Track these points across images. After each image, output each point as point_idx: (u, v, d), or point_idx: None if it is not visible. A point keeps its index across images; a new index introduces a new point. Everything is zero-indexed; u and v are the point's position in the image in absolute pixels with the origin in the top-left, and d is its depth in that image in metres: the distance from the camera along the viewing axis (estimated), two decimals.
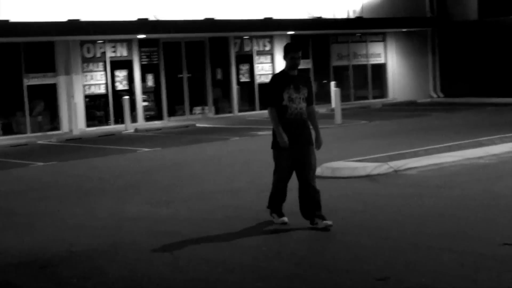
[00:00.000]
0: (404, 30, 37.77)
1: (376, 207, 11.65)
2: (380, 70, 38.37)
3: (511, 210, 10.91)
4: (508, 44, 35.63)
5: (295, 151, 10.28)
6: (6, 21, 26.50)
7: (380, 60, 38.40)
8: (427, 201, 12.01)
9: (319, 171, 14.92)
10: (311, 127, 10.59)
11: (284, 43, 35.38)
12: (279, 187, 10.62)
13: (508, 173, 14.27)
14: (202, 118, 32.24)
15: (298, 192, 10.54)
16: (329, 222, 10.18)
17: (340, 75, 36.34)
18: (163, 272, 8.55)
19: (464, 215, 10.78)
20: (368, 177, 14.38)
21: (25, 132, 28.50)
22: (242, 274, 8.32)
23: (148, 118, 31.49)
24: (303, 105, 10.33)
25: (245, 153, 19.78)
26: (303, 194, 10.44)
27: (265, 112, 34.01)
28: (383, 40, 38.40)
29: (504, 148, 16.88)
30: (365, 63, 37.80)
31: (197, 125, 29.74)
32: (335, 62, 36.80)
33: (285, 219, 10.63)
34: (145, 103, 31.73)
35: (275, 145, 10.45)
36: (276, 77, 10.68)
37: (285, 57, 10.49)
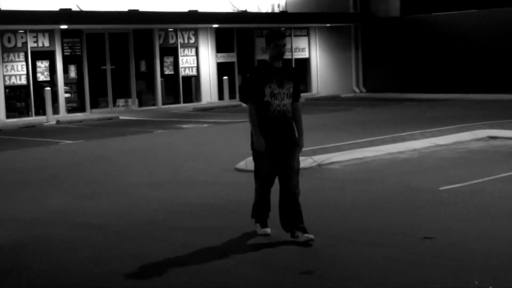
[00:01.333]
0: (328, 25, 38.12)
1: (301, 200, 11.75)
2: (304, 64, 38.64)
3: (431, 204, 11.10)
4: (428, 41, 36.24)
5: (277, 153, 9.12)
6: None
7: (304, 55, 38.69)
8: (350, 195, 12.16)
9: (242, 164, 15.03)
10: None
11: (209, 36, 35.59)
12: (261, 194, 9.40)
13: (428, 167, 14.55)
14: (126, 110, 32.09)
15: (279, 201, 9.31)
16: (311, 236, 9.00)
17: (258, 63, 36.50)
18: (85, 266, 8.49)
19: (386, 209, 10.93)
20: None
21: None
22: (162, 266, 8.34)
23: (70, 110, 31.22)
24: (287, 101, 9.09)
25: (170, 146, 19.72)
26: (284, 203, 9.23)
27: (190, 105, 34.08)
28: (307, 35, 38.69)
29: (424, 143, 17.18)
30: (289, 57, 38.00)
31: (121, 117, 29.56)
32: (260, 56, 36.87)
33: (268, 230, 9.46)
34: (67, 95, 31.44)
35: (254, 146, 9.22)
36: (257, 69, 9.64)
37: (267, 47, 9.12)
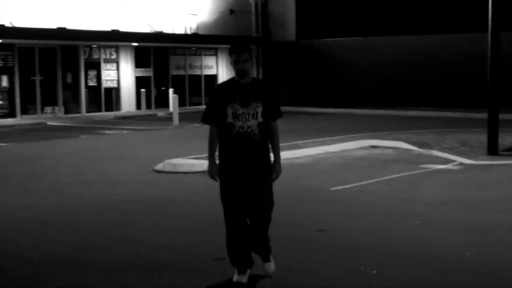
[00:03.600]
0: None
1: (209, 196, 11.89)
2: (212, 80, 38.68)
3: (323, 202, 11.37)
4: (319, 62, 36.76)
5: (240, 181, 7.08)
6: None
7: (212, 71, 38.74)
8: None
9: (160, 166, 15.04)
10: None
11: (129, 53, 35.28)
12: (229, 232, 7.19)
13: (321, 171, 14.82)
14: (53, 117, 31.61)
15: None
16: (273, 269, 7.37)
17: (178, 83, 36.44)
18: (25, 255, 8.47)
19: (286, 206, 11.04)
20: (204, 172, 14.58)
21: None
22: (96, 254, 8.39)
23: (1, 116, 30.60)
24: (253, 122, 7.00)
25: (94, 149, 19.54)
26: (252, 237, 7.28)
27: (111, 113, 33.63)
28: (215, 54, 38.80)
29: (317, 151, 17.49)
30: (199, 73, 38.03)
31: (48, 123, 29.11)
32: (174, 72, 36.86)
33: (243, 278, 7.15)
34: (0, 102, 30.82)
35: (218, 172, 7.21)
36: (220, 86, 7.36)
37: (231, 63, 7.14)
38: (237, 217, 7.17)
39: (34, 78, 31.99)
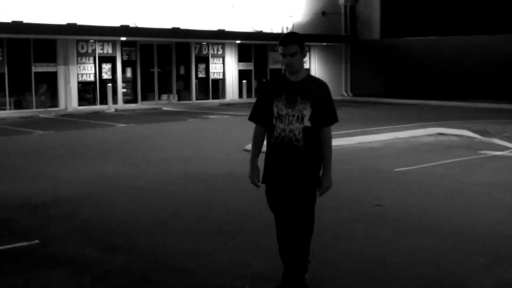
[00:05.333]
0: (324, 44, 38.10)
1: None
2: None
3: (385, 181, 11.26)
4: (400, 58, 36.19)
5: (277, 191, 5.59)
6: (21, 22, 26.27)
7: (306, 66, 38.75)
8: None
9: (249, 147, 15.15)
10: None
11: (233, 49, 35.62)
12: (277, 234, 5.77)
13: (388, 154, 14.65)
14: (168, 103, 32.28)
15: None
16: None
17: (275, 75, 36.56)
18: (122, 215, 8.76)
19: (352, 182, 11.09)
20: None
21: (31, 108, 28.30)
22: (182, 218, 8.58)
23: (126, 101, 31.43)
24: (296, 126, 5.36)
25: (197, 131, 19.93)
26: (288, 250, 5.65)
27: (216, 101, 34.19)
28: (308, 51, 38.75)
29: (388, 136, 17.29)
30: None
31: (163, 108, 29.76)
32: (271, 66, 36.94)
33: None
34: (124, 90, 31.64)
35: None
36: (267, 83, 5.76)
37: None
38: (279, 223, 5.69)
39: (152, 70, 32.72)
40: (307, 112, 5.37)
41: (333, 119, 5.54)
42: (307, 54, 37.94)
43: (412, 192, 10.29)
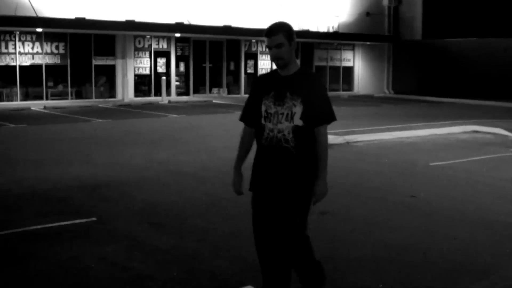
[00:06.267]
0: (368, 43, 37.90)
1: (329, 165, 12.03)
2: (349, 70, 38.54)
3: (421, 174, 11.27)
4: (441, 58, 35.80)
5: (264, 198, 4.67)
6: (83, 18, 26.79)
7: (349, 64, 38.55)
8: (366, 164, 12.34)
9: None
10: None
11: None
12: (257, 249, 4.79)
13: (425, 149, 14.61)
14: (218, 96, 32.56)
15: None
16: None
17: (320, 72, 36.52)
18: (172, 198, 8.96)
19: (388, 175, 11.16)
20: (329, 145, 14.70)
21: (90, 98, 28.87)
22: (231, 204, 8.76)
23: (178, 94, 31.80)
24: (286, 125, 4.50)
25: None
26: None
27: None
28: (353, 49, 38.56)
29: (426, 132, 17.18)
30: (338, 65, 37.95)
31: (214, 101, 30.03)
32: (317, 63, 36.96)
33: None
34: (177, 83, 32.01)
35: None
36: (257, 79, 4.87)
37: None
38: (259, 238, 4.73)
39: (204, 65, 33.01)
40: (297, 110, 4.49)
41: (328, 117, 4.57)
42: (352, 52, 38.35)
43: (446, 185, 10.28)
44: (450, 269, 6.06)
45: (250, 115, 4.72)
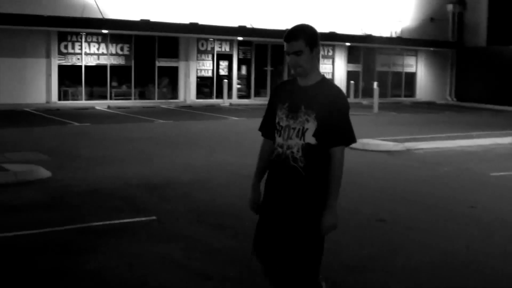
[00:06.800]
0: (431, 49, 37.41)
1: (389, 172, 12.01)
2: (411, 76, 38.08)
3: (481, 184, 11.07)
4: (506, 66, 35.08)
5: (269, 223, 4.08)
6: (148, 20, 27.31)
7: (412, 69, 38.10)
8: (425, 171, 12.22)
9: (353, 144, 15.22)
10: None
11: (342, 51, 35.36)
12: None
13: (486, 158, 14.33)
14: None
15: None
16: None
17: (382, 78, 36.21)
18: (232, 200, 9.05)
19: (448, 183, 11.02)
20: (388, 152, 14.64)
21: (153, 99, 29.37)
22: None
23: (239, 97, 32.04)
24: (295, 142, 3.96)
25: None
26: None
27: None
28: (415, 55, 38.11)
29: (488, 141, 16.84)
30: (400, 70, 37.58)
31: None
32: (379, 68, 36.67)
33: None
34: (239, 86, 32.25)
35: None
36: (276, 87, 4.28)
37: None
38: (265, 267, 4.16)
39: (266, 68, 33.17)
40: (310, 126, 3.93)
41: (346, 137, 3.99)
42: (415, 58, 37.90)
43: (506, 197, 10.10)
44: (496, 281, 5.99)
45: (267, 125, 4.21)
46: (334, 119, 3.93)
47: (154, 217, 7.92)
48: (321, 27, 32.06)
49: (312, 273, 4.01)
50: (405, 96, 37.67)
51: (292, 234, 3.94)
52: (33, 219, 7.82)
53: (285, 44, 4.01)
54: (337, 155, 3.96)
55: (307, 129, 3.94)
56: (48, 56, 26.85)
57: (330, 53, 34.90)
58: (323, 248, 4.04)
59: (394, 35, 36.02)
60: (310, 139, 3.94)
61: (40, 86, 26.80)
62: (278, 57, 33.36)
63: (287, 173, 3.98)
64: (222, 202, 8.93)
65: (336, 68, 34.95)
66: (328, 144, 3.94)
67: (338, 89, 4.07)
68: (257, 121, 14.56)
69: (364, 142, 15.41)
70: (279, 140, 4.03)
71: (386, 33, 35.78)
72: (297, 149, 3.95)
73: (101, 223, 7.61)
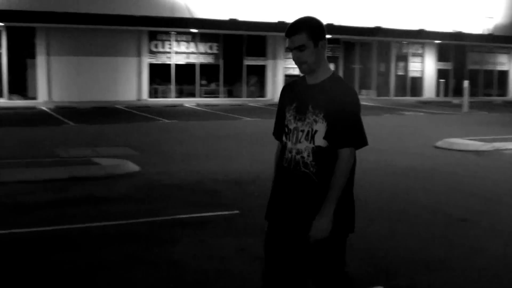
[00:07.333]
0: None
1: (475, 171, 11.74)
2: (503, 75, 37.04)
3: None
4: None
5: (281, 231, 3.71)
6: (235, 19, 27.68)
7: (504, 68, 37.04)
8: (510, 171, 11.92)
9: (440, 143, 14.93)
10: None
11: (432, 48, 34.88)
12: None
13: None
14: (367, 98, 32.39)
15: None
16: None
17: (473, 76, 35.38)
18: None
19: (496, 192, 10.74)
20: (475, 152, 14.31)
21: (241, 97, 29.77)
22: (372, 207, 8.80)
23: None
24: (305, 146, 3.59)
25: (391, 126, 19.92)
26: None
27: (413, 98, 33.89)
28: (508, 53, 36.97)
29: None
30: (492, 68, 36.56)
31: (363, 103, 29.84)
32: (470, 66, 35.85)
33: None
34: None
35: None
36: (284, 88, 3.91)
37: None
38: (269, 278, 3.78)
39: (354, 66, 33.01)
40: (319, 127, 3.58)
41: (355, 139, 3.62)
42: (507, 56, 36.72)
43: None
44: None
45: (279, 129, 3.84)
46: (343, 118, 3.55)
47: (237, 211, 8.06)
48: (410, 25, 31.66)
49: (337, 268, 3.68)
50: (497, 95, 36.61)
51: (310, 236, 3.57)
52: (120, 211, 8.13)
53: (286, 40, 3.68)
54: (344, 158, 3.56)
55: (316, 131, 3.58)
56: (139, 55, 27.66)
57: (420, 51, 34.35)
58: (345, 247, 3.70)
59: (485, 32, 35.05)
60: (320, 141, 3.58)
61: (131, 84, 27.65)
62: (366, 55, 33.13)
63: (299, 180, 3.62)
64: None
65: (425, 67, 34.38)
66: (335, 145, 3.57)
67: (348, 86, 3.68)
68: None
69: (452, 141, 15.12)
70: (288, 144, 3.68)
71: (477, 30, 34.88)
72: (307, 153, 3.60)
73: (184, 216, 7.82)
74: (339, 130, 3.54)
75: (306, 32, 3.60)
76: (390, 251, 6.54)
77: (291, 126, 3.66)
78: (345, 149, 3.55)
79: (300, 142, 3.60)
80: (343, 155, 3.55)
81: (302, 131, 3.60)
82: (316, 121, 3.56)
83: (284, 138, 3.72)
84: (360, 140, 3.62)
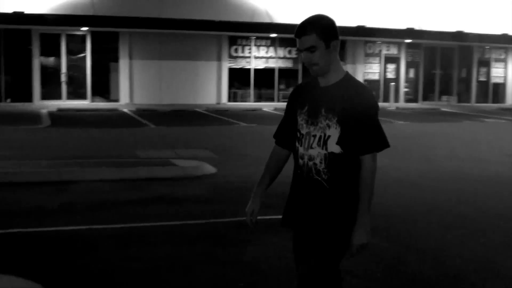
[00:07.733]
0: None
1: None
2: None
3: None
4: None
5: (295, 238, 3.78)
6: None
7: None
8: None
9: None
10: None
11: None
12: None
13: None
14: (447, 104, 31.84)
15: None
16: None
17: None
18: (384, 204, 9.11)
19: None
20: None
21: None
22: (442, 214, 8.71)
23: (406, 100, 31.64)
24: (317, 152, 3.45)
25: (471, 133, 19.54)
26: None
27: (495, 105, 33.06)
28: None
29: None
30: None
31: (442, 109, 29.43)
32: None
33: None
34: (406, 89, 31.87)
35: None
36: (294, 89, 3.77)
37: None
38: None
39: (434, 71, 32.51)
40: (333, 132, 3.42)
41: (377, 143, 3.47)
42: None
43: None
44: None
45: (282, 132, 3.73)
46: (361, 122, 3.38)
47: None
48: (493, 29, 30.90)
49: (330, 261, 3.55)
50: None
51: (319, 242, 3.52)
52: (196, 211, 8.36)
53: (297, 40, 3.50)
54: (368, 164, 3.43)
55: (329, 136, 3.42)
56: (219, 59, 28.10)
57: (502, 56, 33.49)
58: (340, 257, 3.60)
59: None
60: (333, 147, 3.42)
61: (211, 87, 28.12)
62: (447, 60, 32.58)
63: (310, 188, 3.50)
64: (376, 203, 8.95)
65: (508, 72, 33.48)
66: (356, 152, 3.43)
67: (363, 87, 3.51)
68: (423, 126, 14.69)
69: None
70: (300, 150, 3.53)
71: None
72: (320, 159, 3.45)
73: (257, 217, 7.93)
74: (358, 136, 3.39)
75: (317, 32, 3.46)
76: (462, 257, 6.49)
77: (304, 131, 3.51)
78: (367, 156, 3.43)
79: (312, 147, 3.47)
80: (365, 163, 3.43)
81: (314, 136, 3.46)
82: (329, 126, 3.41)
83: (296, 144, 3.57)
84: (381, 143, 3.48)
